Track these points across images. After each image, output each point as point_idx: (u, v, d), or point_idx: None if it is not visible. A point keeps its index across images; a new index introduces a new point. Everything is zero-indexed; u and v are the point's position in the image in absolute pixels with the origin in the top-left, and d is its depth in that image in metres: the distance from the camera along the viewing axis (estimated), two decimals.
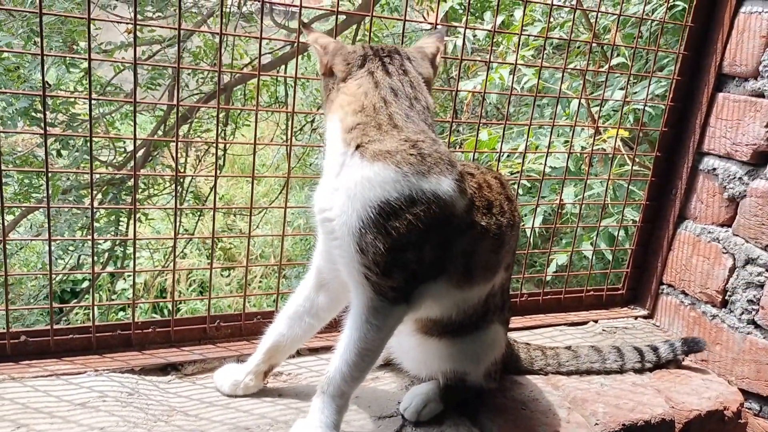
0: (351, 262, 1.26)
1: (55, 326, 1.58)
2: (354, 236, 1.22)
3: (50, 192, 3.28)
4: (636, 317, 2.24)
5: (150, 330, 1.69)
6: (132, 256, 1.63)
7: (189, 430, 1.39)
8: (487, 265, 1.42)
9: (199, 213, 4.88)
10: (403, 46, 1.90)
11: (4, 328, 1.56)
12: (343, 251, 1.27)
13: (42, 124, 1.49)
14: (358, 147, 1.26)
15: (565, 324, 2.13)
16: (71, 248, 3.76)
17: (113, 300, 4.96)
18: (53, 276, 1.55)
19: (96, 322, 1.60)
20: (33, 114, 3.36)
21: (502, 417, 1.58)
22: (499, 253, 1.44)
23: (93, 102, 1.45)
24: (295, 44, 1.75)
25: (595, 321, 2.17)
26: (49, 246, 1.52)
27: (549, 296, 2.20)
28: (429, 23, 1.87)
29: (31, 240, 4.35)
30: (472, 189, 1.35)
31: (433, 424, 1.51)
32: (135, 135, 1.53)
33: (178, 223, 4.23)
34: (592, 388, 1.74)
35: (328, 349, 1.76)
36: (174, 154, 2.60)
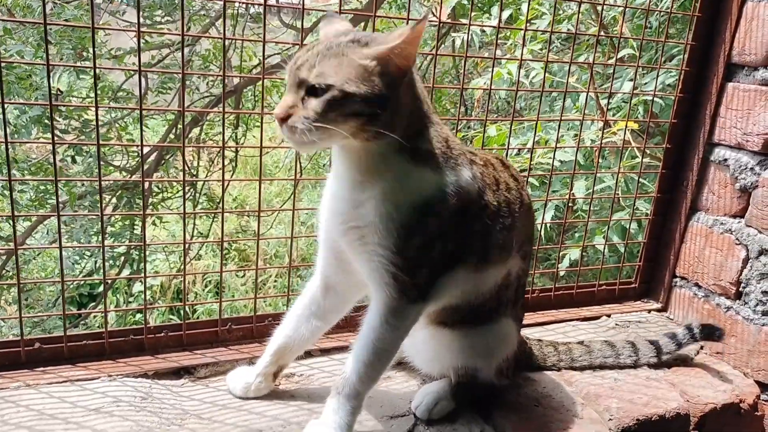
0: (379, 263, 1.26)
1: (69, 332, 1.60)
2: (386, 237, 1.24)
3: (68, 198, 3.33)
4: (649, 311, 2.23)
5: (162, 334, 1.70)
6: (147, 260, 1.65)
7: None
8: (502, 245, 1.42)
9: (212, 215, 4.91)
10: None
11: (19, 335, 1.58)
12: (371, 254, 1.27)
13: (55, 131, 1.51)
14: None
15: (577, 319, 2.12)
16: (87, 253, 3.81)
17: (130, 302, 5.01)
18: (69, 282, 1.56)
19: (112, 325, 1.62)
20: (46, 122, 3.40)
21: (515, 414, 1.57)
22: (511, 231, 1.43)
23: (105, 107, 1.46)
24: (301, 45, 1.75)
25: (608, 315, 2.15)
26: (60, 255, 1.53)
27: (561, 291, 2.19)
28: (433, 22, 1.87)
29: (44, 248, 4.39)
30: (479, 168, 1.36)
31: (446, 422, 1.51)
32: (142, 142, 1.54)
33: (189, 228, 4.26)
34: (605, 383, 1.73)
35: (339, 349, 1.77)
36: (185, 158, 2.64)
